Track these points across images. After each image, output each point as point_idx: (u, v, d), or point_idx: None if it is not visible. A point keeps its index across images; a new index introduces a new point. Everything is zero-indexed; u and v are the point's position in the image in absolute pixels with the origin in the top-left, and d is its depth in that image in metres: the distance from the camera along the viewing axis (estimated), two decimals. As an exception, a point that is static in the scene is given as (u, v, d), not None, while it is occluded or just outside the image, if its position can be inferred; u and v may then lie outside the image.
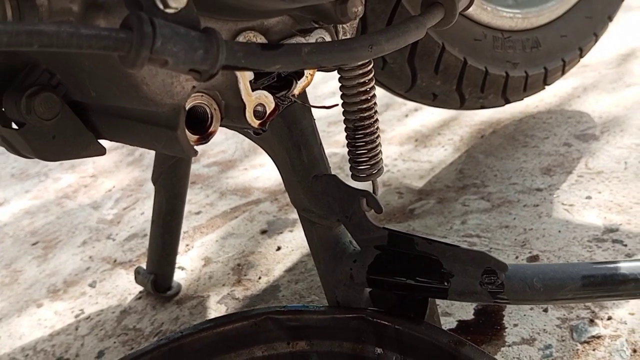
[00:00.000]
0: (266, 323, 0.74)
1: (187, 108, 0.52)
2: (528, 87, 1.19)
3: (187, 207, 1.42)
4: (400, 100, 1.53)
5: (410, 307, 0.71)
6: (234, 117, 0.56)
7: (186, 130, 0.52)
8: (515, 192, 1.15)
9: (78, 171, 1.80)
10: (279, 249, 1.18)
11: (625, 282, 0.63)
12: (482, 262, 0.66)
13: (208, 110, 0.55)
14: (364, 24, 0.91)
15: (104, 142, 0.61)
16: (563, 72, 1.23)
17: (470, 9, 1.04)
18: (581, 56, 1.24)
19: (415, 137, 1.47)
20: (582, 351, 0.78)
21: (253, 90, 0.55)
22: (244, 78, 0.54)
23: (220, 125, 0.58)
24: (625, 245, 0.93)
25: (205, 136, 0.55)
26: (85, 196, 1.64)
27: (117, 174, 1.72)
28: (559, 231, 1.01)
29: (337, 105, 0.70)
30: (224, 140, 1.79)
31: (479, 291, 0.66)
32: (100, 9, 0.46)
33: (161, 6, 0.42)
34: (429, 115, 1.56)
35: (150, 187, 1.57)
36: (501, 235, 1.04)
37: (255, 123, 0.56)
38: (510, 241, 1.02)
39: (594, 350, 0.78)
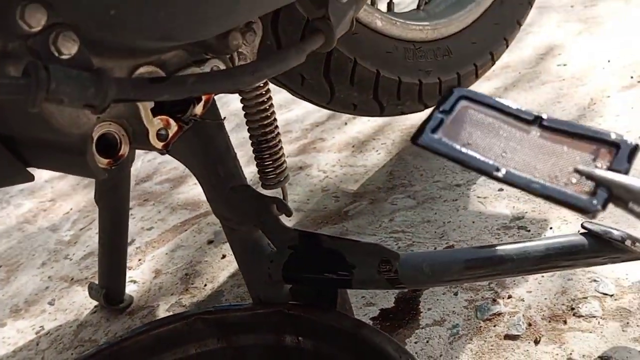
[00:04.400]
0: (196, 323, 0.82)
1: (96, 136, 0.61)
2: (443, 92, 1.28)
3: (140, 224, 1.50)
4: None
5: (325, 299, 0.80)
6: (140, 141, 0.64)
7: (96, 155, 0.61)
8: (438, 189, 1.24)
9: (37, 196, 1.87)
10: (224, 257, 1.26)
11: (503, 263, 0.72)
12: (378, 253, 0.74)
13: (117, 137, 0.63)
14: (279, 44, 1.00)
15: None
16: (477, 76, 1.33)
17: (380, 24, 1.14)
18: (493, 60, 1.34)
19: (353, 144, 1.56)
20: (484, 327, 0.87)
21: (154, 116, 0.63)
22: (145, 106, 0.62)
23: (132, 148, 0.66)
24: (529, 231, 1.03)
25: (116, 159, 0.63)
26: (45, 220, 1.70)
27: (74, 197, 1.79)
28: (473, 222, 1.10)
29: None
30: (177, 158, 1.86)
31: (377, 279, 0.74)
32: (9, 58, 0.54)
33: (56, 54, 0.50)
34: (366, 122, 1.65)
35: (105, 207, 1.63)
36: (423, 230, 1.13)
37: (159, 145, 0.64)
38: (430, 234, 1.11)
39: (494, 326, 0.87)
